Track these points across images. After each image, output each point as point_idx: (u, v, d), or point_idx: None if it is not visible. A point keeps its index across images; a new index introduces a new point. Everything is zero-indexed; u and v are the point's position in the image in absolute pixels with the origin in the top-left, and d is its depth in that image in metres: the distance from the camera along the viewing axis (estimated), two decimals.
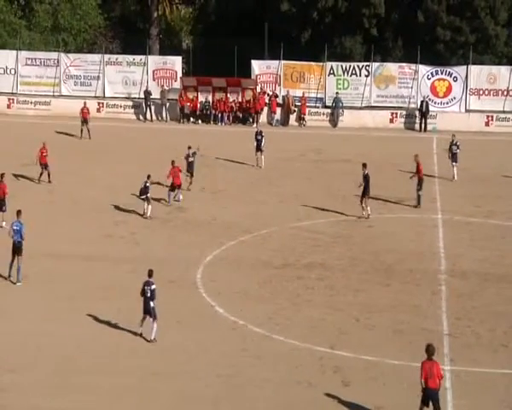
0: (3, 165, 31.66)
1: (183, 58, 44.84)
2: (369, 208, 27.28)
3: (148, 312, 18.40)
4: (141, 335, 18.54)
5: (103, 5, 49.36)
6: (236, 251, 24.36)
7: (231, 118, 42.67)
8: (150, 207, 27.14)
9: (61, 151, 35.35)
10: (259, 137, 33.90)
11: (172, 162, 28.79)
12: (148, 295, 18.36)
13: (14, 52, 44.38)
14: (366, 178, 27.24)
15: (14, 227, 21.70)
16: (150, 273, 18.62)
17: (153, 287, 18.42)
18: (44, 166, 30.77)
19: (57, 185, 30.58)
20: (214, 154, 35.50)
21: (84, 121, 38.47)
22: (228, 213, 27.89)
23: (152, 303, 18.35)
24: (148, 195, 27.17)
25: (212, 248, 24.32)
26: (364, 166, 27.56)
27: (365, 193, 27.23)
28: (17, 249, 21.48)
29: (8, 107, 43.77)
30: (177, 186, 28.67)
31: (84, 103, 39.74)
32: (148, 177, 27.51)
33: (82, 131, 38.32)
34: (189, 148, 30.64)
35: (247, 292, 21.43)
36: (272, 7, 45.70)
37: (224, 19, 49.64)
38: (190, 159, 30.41)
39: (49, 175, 30.90)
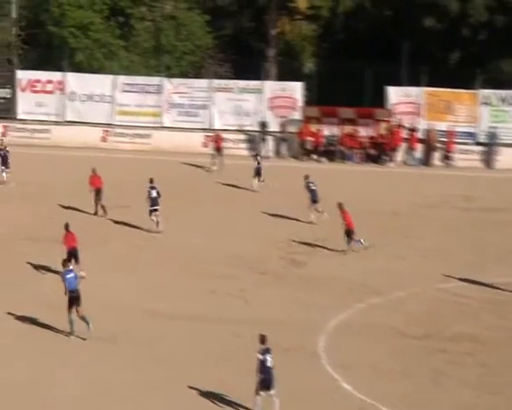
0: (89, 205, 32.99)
1: (304, 84, 45.36)
2: None
3: (272, 385, 18.23)
4: None
5: (212, 23, 50.32)
6: (366, 316, 24.24)
7: (362, 156, 42.72)
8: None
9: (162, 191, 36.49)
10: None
11: (340, 205, 29.46)
12: (270, 364, 18.32)
13: (111, 77, 46.09)
14: None
15: (69, 275, 22.15)
16: (264, 339, 18.63)
17: (271, 354, 18.48)
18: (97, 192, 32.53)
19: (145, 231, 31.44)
20: (340, 198, 35.57)
21: (218, 152, 39.88)
22: (356, 268, 27.84)
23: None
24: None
25: (337, 312, 24.28)
26: None
27: None
28: (76, 299, 22.02)
29: (103, 140, 45.37)
30: (351, 231, 29.09)
31: (218, 133, 41.55)
32: (151, 180, 30.90)
33: (214, 163, 39.86)
34: (306, 177, 32.37)
35: (378, 366, 21.23)
36: (412, 23, 45.72)
37: (354, 37, 49.92)
38: (312, 186, 31.91)
39: (103, 207, 32.57)
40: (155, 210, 30.54)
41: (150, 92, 45.84)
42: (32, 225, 31.59)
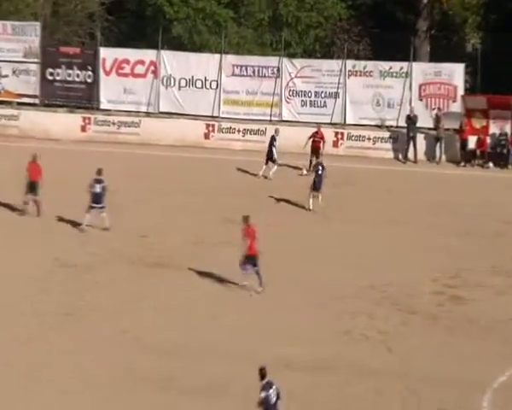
0: (201, 219, 33.49)
1: (466, 66, 45.21)
2: None
3: None
4: None
5: None
6: None
7: None
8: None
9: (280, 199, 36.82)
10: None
11: (246, 219, 28.43)
12: (275, 399, 19.50)
13: (217, 56, 46.70)
14: None
15: None
16: (264, 372, 19.64)
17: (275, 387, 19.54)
18: (33, 185, 33.30)
19: (272, 257, 31.56)
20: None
21: (315, 152, 39.96)
22: None
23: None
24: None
25: (507, 364, 23.99)
26: None
27: None
28: None
29: (207, 137, 45.92)
30: (251, 257, 28.05)
31: (318, 127, 41.69)
32: (99, 172, 32.52)
33: (311, 163, 40.01)
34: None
35: None
36: None
37: None
38: (320, 171, 35.61)
39: (37, 204, 33.54)
40: (93, 208, 32.24)
41: (266, 76, 46.21)
42: (124, 246, 32.20)
